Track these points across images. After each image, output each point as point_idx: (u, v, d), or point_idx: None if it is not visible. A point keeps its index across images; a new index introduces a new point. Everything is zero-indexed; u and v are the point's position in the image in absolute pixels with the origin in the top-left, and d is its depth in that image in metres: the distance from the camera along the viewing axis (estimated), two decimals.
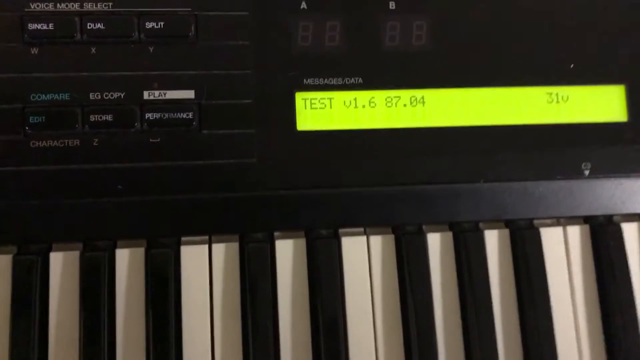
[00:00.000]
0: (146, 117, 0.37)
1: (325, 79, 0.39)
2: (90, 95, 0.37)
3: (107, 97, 0.37)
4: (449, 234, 0.40)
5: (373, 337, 0.39)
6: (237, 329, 0.38)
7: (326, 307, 0.38)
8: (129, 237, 0.38)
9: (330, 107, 0.39)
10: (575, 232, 0.42)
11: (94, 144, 0.37)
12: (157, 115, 0.37)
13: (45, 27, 0.37)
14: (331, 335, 0.38)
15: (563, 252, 0.41)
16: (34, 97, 0.36)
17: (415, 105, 0.40)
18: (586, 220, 0.42)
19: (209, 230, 0.38)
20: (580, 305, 0.41)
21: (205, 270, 0.38)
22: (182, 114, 0.37)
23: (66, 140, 0.36)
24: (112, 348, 0.37)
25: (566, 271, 0.41)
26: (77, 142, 0.37)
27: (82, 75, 0.37)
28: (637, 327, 0.40)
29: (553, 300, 0.40)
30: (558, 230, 0.41)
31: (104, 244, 0.38)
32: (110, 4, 0.37)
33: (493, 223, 0.41)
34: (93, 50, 0.37)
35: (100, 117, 0.37)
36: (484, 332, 0.39)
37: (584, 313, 0.41)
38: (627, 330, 0.40)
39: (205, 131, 0.38)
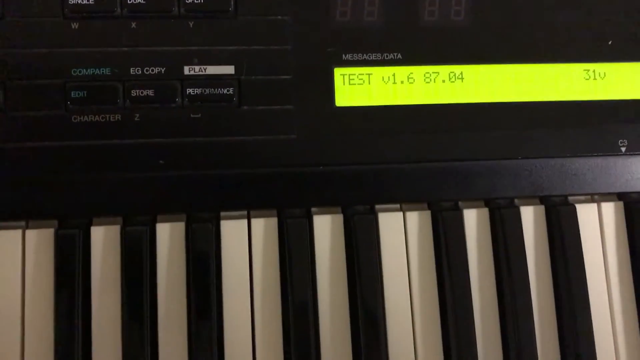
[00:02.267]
0: (187, 92, 0.37)
1: (364, 55, 0.39)
2: (131, 70, 0.37)
3: (148, 72, 0.37)
4: (485, 210, 0.40)
5: (410, 312, 0.39)
6: (277, 304, 0.38)
7: (364, 282, 0.38)
8: (168, 212, 0.38)
9: (369, 83, 0.39)
10: (609, 209, 0.42)
11: (135, 119, 0.37)
12: (197, 91, 0.37)
13: (85, 2, 0.37)
14: (369, 309, 0.38)
15: (597, 228, 0.42)
16: (75, 72, 0.36)
17: (453, 81, 0.40)
18: (620, 197, 0.42)
19: (248, 205, 0.39)
20: (614, 280, 0.41)
21: (244, 245, 0.38)
22: (222, 89, 0.37)
23: (107, 115, 0.37)
24: (153, 323, 0.37)
25: (600, 247, 0.41)
26: (118, 116, 0.37)
27: (123, 50, 0.37)
28: None
29: (587, 275, 0.40)
30: (593, 206, 0.42)
31: (144, 218, 0.38)
32: None
33: (529, 199, 0.41)
34: (133, 25, 0.37)
35: (141, 92, 0.37)
36: (520, 308, 0.39)
37: (618, 288, 0.41)
38: None
39: (245, 107, 0.38)
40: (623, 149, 0.41)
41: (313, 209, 0.40)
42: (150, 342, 0.37)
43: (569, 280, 0.40)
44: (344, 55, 0.39)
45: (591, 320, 0.40)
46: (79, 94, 0.36)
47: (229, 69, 0.37)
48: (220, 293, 0.38)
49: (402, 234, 0.40)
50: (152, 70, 0.37)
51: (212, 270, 0.37)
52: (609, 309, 0.41)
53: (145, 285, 0.37)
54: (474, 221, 0.40)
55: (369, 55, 0.39)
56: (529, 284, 0.40)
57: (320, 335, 0.38)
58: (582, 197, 0.42)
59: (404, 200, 0.40)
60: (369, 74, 0.39)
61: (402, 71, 0.39)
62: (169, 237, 0.38)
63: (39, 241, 0.37)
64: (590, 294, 0.40)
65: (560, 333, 0.40)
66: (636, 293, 0.41)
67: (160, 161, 0.37)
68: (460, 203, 0.41)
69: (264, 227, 0.39)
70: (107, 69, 0.37)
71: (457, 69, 0.40)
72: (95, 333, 0.37)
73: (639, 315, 0.41)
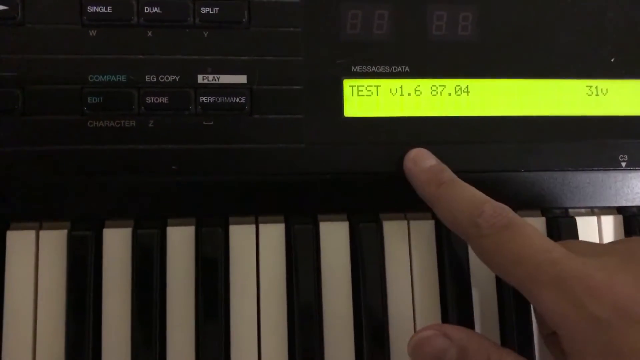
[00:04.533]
0: (200, 100, 0.38)
1: (373, 67, 0.40)
2: (147, 78, 0.38)
3: (163, 80, 0.38)
4: None
5: (412, 319, 0.40)
6: (283, 308, 0.39)
7: (368, 289, 0.39)
8: (179, 216, 0.39)
9: (377, 95, 0.40)
10: (609, 221, 0.43)
11: (150, 125, 0.38)
12: (210, 99, 0.38)
13: (103, 10, 0.37)
14: (373, 316, 0.39)
15: (597, 240, 0.42)
16: (91, 78, 0.37)
17: (459, 95, 0.40)
18: (619, 211, 0.43)
19: (257, 211, 0.39)
20: None
21: (252, 249, 0.39)
22: (234, 98, 0.38)
23: (122, 121, 0.37)
24: (163, 324, 0.38)
25: None
26: (133, 122, 0.37)
27: (139, 58, 0.38)
28: None
29: None
30: (592, 219, 0.42)
31: (155, 222, 0.39)
32: None
33: (530, 211, 0.42)
34: (149, 33, 0.38)
35: (156, 99, 0.37)
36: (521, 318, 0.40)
37: None
38: None
39: (256, 116, 0.38)
40: (623, 164, 0.41)
41: (320, 216, 0.40)
42: (159, 343, 0.37)
43: None
44: (353, 68, 0.40)
45: None
46: (95, 99, 0.37)
47: (242, 79, 0.38)
48: (228, 296, 0.38)
49: (405, 242, 0.41)
50: (167, 78, 0.38)
51: (220, 273, 0.38)
52: None
53: (156, 287, 0.38)
54: None
55: (378, 68, 0.40)
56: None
57: (324, 340, 0.39)
58: (583, 210, 0.43)
59: (409, 209, 0.41)
60: (377, 86, 0.40)
61: (409, 84, 0.40)
62: (179, 240, 0.39)
63: (52, 242, 0.38)
64: None
65: None
66: None
67: (173, 167, 0.38)
68: None
69: (272, 233, 0.39)
70: (123, 76, 0.37)
71: (463, 82, 0.41)
72: (106, 333, 0.37)
73: None
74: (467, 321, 0.40)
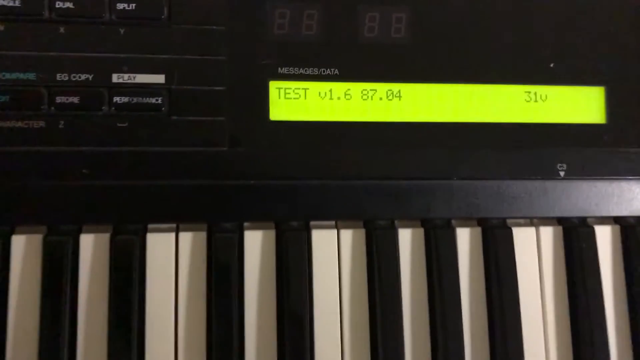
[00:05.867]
0: (114, 100, 0.36)
1: (301, 69, 0.39)
2: (57, 76, 0.36)
3: (75, 79, 0.36)
4: (421, 230, 0.40)
5: (339, 334, 0.38)
6: (202, 320, 0.37)
7: (293, 300, 0.37)
8: (93, 223, 0.37)
9: (305, 98, 0.39)
10: (548, 233, 0.41)
11: (60, 126, 0.36)
12: (125, 99, 0.36)
13: (11, 3, 0.36)
14: (296, 331, 0.37)
15: (535, 252, 0.41)
16: None
17: (391, 99, 0.39)
18: (559, 221, 0.42)
19: (177, 218, 0.38)
20: (550, 306, 0.41)
21: (171, 259, 0.37)
22: (151, 98, 0.37)
23: (31, 122, 0.36)
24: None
25: (537, 272, 0.41)
26: (42, 123, 0.36)
27: (49, 55, 0.36)
28: (606, 331, 0.40)
29: (522, 301, 0.40)
30: (531, 230, 0.41)
31: (68, 228, 0.37)
32: None
33: (466, 221, 0.41)
34: (62, 29, 0.36)
35: (67, 99, 0.36)
36: (452, 332, 0.39)
37: (553, 315, 0.41)
38: (595, 334, 0.40)
39: (174, 117, 0.37)
40: (562, 173, 0.41)
41: (245, 224, 0.39)
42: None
43: (502, 304, 0.39)
44: (280, 69, 0.38)
45: (522, 345, 0.39)
46: (1, 98, 0.35)
47: (159, 78, 0.37)
48: (144, 307, 0.37)
49: (335, 252, 0.39)
50: (79, 77, 0.36)
51: (134, 284, 0.37)
52: (544, 334, 0.40)
53: (66, 296, 0.36)
54: (408, 241, 0.40)
55: (306, 70, 0.39)
56: (460, 306, 0.39)
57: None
58: (522, 221, 0.42)
59: (339, 217, 0.39)
60: (305, 89, 0.39)
61: (339, 87, 0.39)
62: (91, 248, 0.37)
63: None
64: (525, 319, 0.40)
65: (492, 357, 0.39)
66: (571, 319, 0.41)
67: (84, 170, 0.36)
68: (396, 222, 0.40)
69: (192, 241, 0.38)
70: (32, 73, 0.36)
71: (395, 87, 0.39)
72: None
73: (573, 342, 0.40)
74: (396, 335, 0.38)
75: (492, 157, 0.40)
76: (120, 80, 0.36)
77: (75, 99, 0.36)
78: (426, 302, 0.39)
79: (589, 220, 0.42)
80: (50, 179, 0.36)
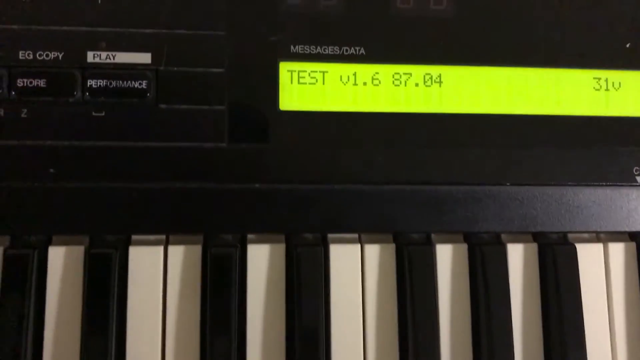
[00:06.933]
0: (89, 84, 0.33)
1: (318, 47, 0.35)
2: (20, 54, 0.33)
3: (41, 58, 0.33)
4: (464, 246, 0.36)
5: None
6: (195, 354, 0.33)
7: (305, 334, 0.33)
8: (64, 233, 0.34)
9: (323, 83, 0.35)
10: (619, 250, 0.38)
11: (22, 115, 0.33)
12: (102, 83, 0.33)
13: None
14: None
15: (603, 273, 0.38)
16: None
17: (429, 86, 0.36)
18: (632, 237, 0.38)
19: (165, 228, 0.34)
20: (620, 337, 0.37)
21: (158, 278, 0.34)
22: (134, 82, 0.33)
23: None
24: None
25: (605, 296, 0.37)
26: (0, 111, 0.32)
27: (11, 29, 0.33)
28: None
29: (588, 332, 0.36)
30: (598, 247, 0.38)
31: (37, 239, 0.34)
32: None
33: (519, 235, 0.37)
34: None
35: (31, 82, 0.33)
36: None
37: (625, 348, 0.37)
38: None
39: (163, 105, 0.34)
40: (639, 179, 0.37)
41: (249, 236, 0.35)
42: None
43: (563, 334, 0.35)
44: (292, 47, 0.35)
45: None
46: None
47: (145, 57, 0.33)
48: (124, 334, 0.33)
49: (358, 272, 0.35)
50: (47, 55, 0.33)
51: (112, 308, 0.33)
52: None
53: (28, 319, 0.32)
54: (448, 259, 0.36)
55: (325, 49, 0.35)
56: (512, 339, 0.35)
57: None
58: (586, 235, 0.38)
59: (363, 229, 0.36)
60: (323, 72, 0.35)
61: (365, 70, 0.35)
62: (62, 264, 0.33)
63: None
64: (591, 351, 0.35)
65: None
66: None
67: (51, 170, 0.33)
68: (433, 236, 0.37)
69: (184, 257, 0.34)
70: None
71: (434, 70, 0.36)
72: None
73: None
74: None
75: (553, 158, 0.36)
76: (97, 60, 0.33)
77: (41, 82, 0.33)
78: (469, 333, 0.36)
79: None
80: (9, 180, 0.33)
